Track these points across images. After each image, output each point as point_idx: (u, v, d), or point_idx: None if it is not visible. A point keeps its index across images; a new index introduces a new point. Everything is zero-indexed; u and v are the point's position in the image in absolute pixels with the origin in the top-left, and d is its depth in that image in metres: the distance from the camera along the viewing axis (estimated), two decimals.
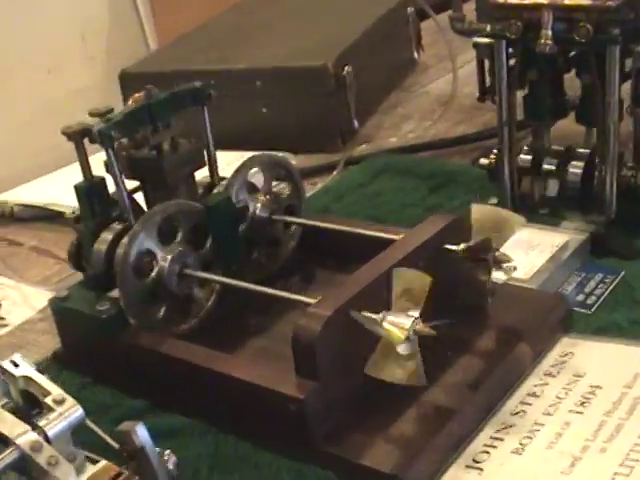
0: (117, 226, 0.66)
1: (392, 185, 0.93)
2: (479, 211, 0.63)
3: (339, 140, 1.08)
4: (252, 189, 0.72)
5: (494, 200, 0.81)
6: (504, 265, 0.65)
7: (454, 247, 0.62)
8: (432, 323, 0.53)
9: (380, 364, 0.53)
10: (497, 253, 0.63)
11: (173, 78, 1.10)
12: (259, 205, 0.71)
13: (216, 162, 0.73)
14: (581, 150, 0.80)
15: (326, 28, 1.19)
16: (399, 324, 0.53)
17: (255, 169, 0.72)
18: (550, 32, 0.71)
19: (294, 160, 1.04)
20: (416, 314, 0.53)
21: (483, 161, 0.85)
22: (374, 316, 0.54)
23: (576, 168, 0.79)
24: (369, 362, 0.53)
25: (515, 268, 0.67)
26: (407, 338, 0.52)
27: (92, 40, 2.20)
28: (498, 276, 0.69)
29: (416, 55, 1.37)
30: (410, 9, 1.34)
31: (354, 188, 0.94)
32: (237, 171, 0.71)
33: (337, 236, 0.71)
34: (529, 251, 0.73)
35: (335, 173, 0.99)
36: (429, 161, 0.98)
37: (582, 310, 0.67)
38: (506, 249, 0.74)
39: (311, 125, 1.07)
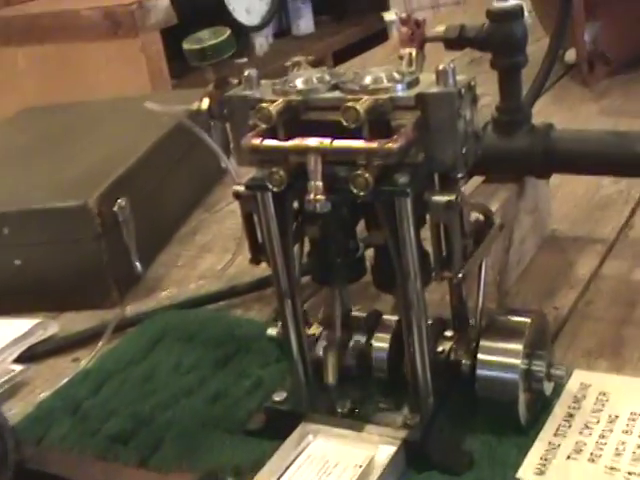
0: None
1: (169, 361, 0.73)
2: None
3: (115, 292, 0.87)
4: None
5: (282, 394, 0.62)
6: None
7: None
8: None
9: None
10: None
11: None
12: None
13: None
14: (387, 317, 0.62)
15: (101, 153, 0.98)
16: None
17: None
18: (320, 184, 0.53)
19: (55, 325, 0.83)
20: None
21: (270, 332, 0.66)
22: None
23: (381, 342, 0.60)
24: None
25: None
26: None
27: None
28: None
29: (223, 165, 1.18)
30: None
31: (121, 369, 0.73)
32: None
33: None
34: (323, 477, 0.54)
35: (100, 345, 0.78)
36: (218, 320, 0.78)
37: None
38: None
39: (78, 277, 0.86)
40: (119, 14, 2.32)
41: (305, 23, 3.28)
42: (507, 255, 0.75)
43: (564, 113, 1.19)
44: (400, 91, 0.53)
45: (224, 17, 2.29)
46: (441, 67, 0.53)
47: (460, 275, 0.54)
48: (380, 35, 3.02)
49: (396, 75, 0.54)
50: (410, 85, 0.54)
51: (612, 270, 0.77)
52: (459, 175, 0.54)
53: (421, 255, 0.55)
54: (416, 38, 0.79)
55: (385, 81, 0.54)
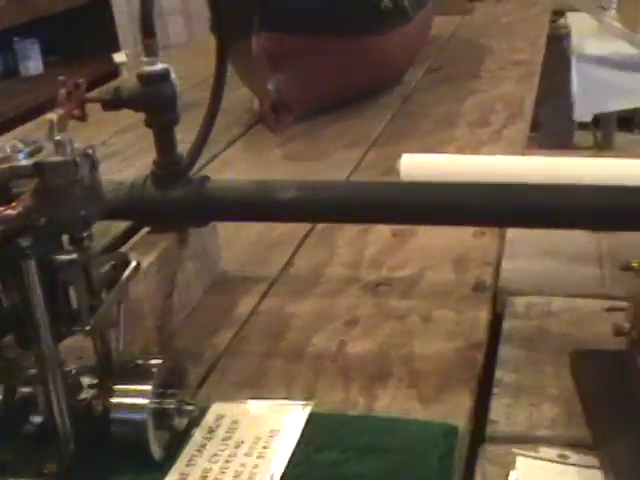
0: None
1: None
2: None
3: None
4: None
5: None
6: None
7: None
8: None
9: None
10: None
11: None
12: None
13: None
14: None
15: None
16: None
17: None
18: None
19: None
20: None
21: None
22: None
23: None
24: None
25: None
26: None
27: None
28: None
29: None
30: None
31: None
32: None
33: None
34: None
35: None
36: None
37: None
38: None
39: None
40: None
41: (34, 64, 3.23)
42: (170, 300, 0.81)
43: (253, 159, 1.28)
44: (21, 160, 0.57)
45: None
46: (58, 138, 0.57)
47: (88, 328, 0.59)
48: (111, 76, 3.03)
49: (19, 145, 0.58)
50: (32, 154, 0.58)
51: (268, 306, 0.85)
52: (84, 234, 0.59)
53: (52, 313, 0.59)
54: (75, 98, 0.84)
55: (8, 150, 0.58)
